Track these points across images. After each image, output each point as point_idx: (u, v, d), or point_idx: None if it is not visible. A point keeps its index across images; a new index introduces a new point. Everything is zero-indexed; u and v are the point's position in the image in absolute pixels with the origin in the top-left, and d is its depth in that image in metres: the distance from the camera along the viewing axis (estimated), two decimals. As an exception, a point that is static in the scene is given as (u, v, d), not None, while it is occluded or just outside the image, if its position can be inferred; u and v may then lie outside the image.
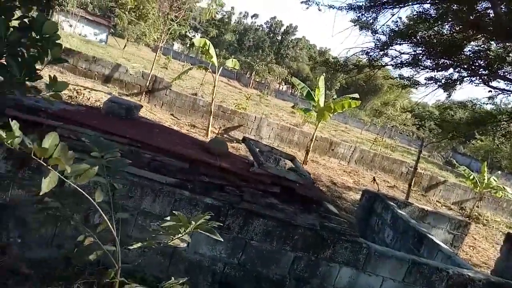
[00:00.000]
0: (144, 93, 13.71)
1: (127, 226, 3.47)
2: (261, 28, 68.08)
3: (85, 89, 11.30)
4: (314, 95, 13.56)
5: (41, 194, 1.65)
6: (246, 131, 14.20)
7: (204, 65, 14.27)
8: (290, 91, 64.01)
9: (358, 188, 11.67)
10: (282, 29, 67.84)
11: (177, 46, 65.67)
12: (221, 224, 2.61)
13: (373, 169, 15.06)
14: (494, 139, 32.77)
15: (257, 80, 53.38)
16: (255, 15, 72.99)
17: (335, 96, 33.55)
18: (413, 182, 9.16)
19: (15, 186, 3.33)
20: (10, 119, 1.59)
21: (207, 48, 11.90)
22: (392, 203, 6.05)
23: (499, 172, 14.43)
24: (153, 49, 39.47)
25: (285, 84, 65.33)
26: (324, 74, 13.90)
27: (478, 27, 5.99)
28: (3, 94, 2.05)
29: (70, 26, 33.74)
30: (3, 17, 2.00)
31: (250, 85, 49.49)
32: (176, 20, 15.99)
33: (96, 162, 2.35)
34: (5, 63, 2.06)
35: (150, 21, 30.17)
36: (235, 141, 12.78)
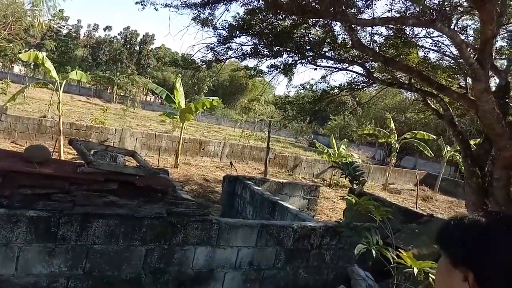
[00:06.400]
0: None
1: None
2: (115, 40, 64.45)
3: None
4: (174, 98, 13.48)
5: None
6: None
7: (44, 81, 12.79)
8: (159, 101, 62.39)
9: (230, 179, 12.02)
10: (139, 39, 65.55)
11: (18, 69, 57.49)
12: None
13: (244, 160, 15.75)
14: (344, 117, 37.74)
15: (121, 94, 50.51)
16: (107, 27, 68.56)
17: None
18: (268, 159, 9.95)
19: None
20: None
21: (41, 62, 10.67)
22: (249, 182, 6.38)
23: (345, 140, 16.68)
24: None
25: (153, 95, 63.37)
26: (180, 76, 13.91)
27: (278, 5, 6.66)
28: None
29: None
30: None
31: (114, 100, 46.55)
32: (1, 35, 13.95)
33: None
34: None
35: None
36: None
